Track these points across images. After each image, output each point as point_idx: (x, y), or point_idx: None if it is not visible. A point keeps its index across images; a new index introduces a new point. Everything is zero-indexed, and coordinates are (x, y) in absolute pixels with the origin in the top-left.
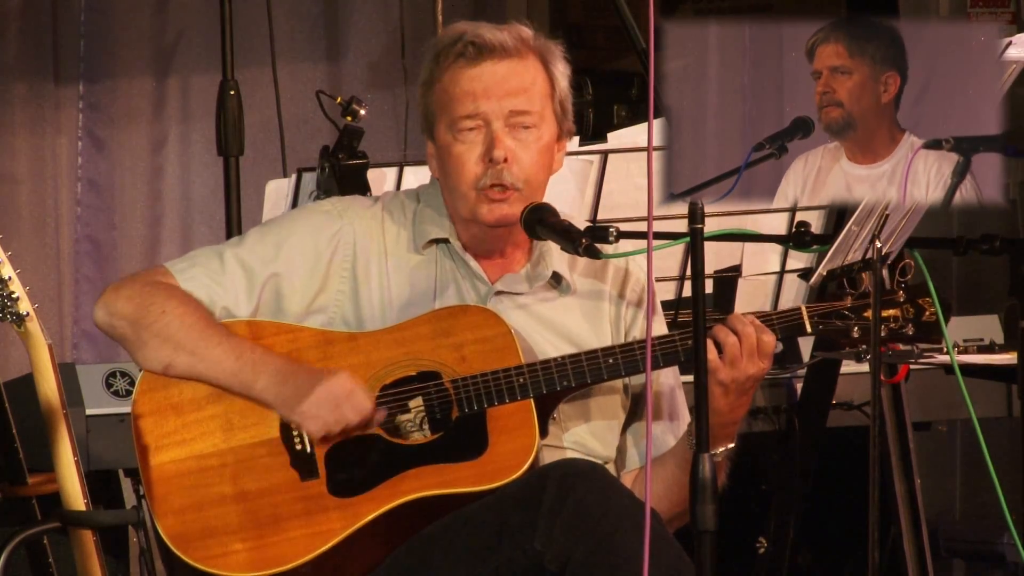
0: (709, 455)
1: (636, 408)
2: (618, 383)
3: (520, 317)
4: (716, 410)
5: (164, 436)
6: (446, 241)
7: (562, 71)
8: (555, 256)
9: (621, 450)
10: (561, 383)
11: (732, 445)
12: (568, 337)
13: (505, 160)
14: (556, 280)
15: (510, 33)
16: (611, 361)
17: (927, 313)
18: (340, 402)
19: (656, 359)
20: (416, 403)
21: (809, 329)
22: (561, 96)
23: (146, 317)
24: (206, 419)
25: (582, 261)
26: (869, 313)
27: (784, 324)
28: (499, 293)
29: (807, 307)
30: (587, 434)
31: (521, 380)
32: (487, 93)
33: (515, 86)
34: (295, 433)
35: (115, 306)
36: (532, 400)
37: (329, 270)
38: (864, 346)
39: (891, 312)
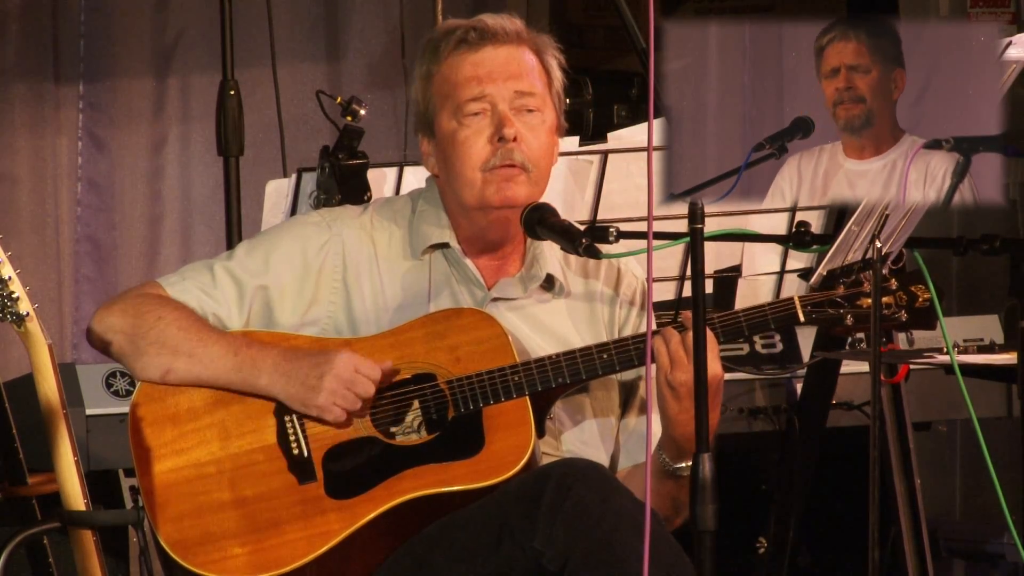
0: (709, 455)
1: (627, 402)
2: (613, 383)
3: (516, 322)
4: (671, 419)
5: (162, 446)
6: (446, 246)
7: (555, 62)
8: (548, 258)
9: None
10: (556, 380)
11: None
12: (564, 341)
13: (515, 139)
14: (549, 283)
15: (506, 21)
16: (605, 356)
17: (920, 300)
18: (350, 385)
19: (642, 354)
20: (412, 405)
21: (803, 318)
22: (557, 86)
23: (142, 326)
24: (203, 428)
25: (575, 260)
26: (863, 301)
27: (778, 314)
28: (495, 300)
29: (800, 297)
30: (583, 444)
31: (516, 378)
32: (491, 76)
33: (516, 69)
34: (292, 438)
35: (109, 321)
36: (527, 397)
37: (319, 282)
38: (859, 334)
39: (884, 299)
